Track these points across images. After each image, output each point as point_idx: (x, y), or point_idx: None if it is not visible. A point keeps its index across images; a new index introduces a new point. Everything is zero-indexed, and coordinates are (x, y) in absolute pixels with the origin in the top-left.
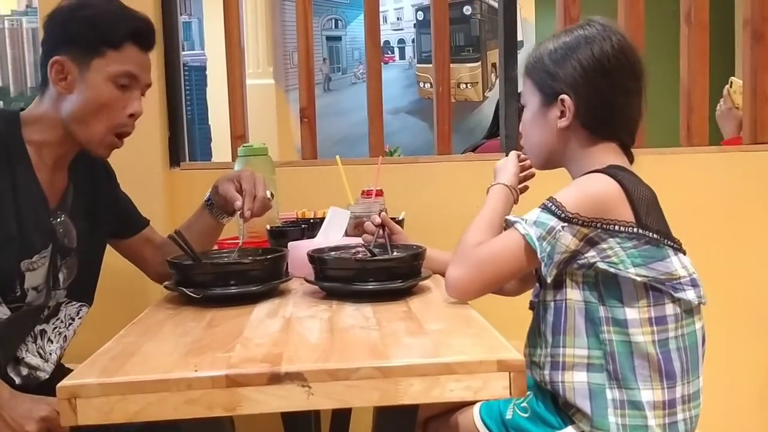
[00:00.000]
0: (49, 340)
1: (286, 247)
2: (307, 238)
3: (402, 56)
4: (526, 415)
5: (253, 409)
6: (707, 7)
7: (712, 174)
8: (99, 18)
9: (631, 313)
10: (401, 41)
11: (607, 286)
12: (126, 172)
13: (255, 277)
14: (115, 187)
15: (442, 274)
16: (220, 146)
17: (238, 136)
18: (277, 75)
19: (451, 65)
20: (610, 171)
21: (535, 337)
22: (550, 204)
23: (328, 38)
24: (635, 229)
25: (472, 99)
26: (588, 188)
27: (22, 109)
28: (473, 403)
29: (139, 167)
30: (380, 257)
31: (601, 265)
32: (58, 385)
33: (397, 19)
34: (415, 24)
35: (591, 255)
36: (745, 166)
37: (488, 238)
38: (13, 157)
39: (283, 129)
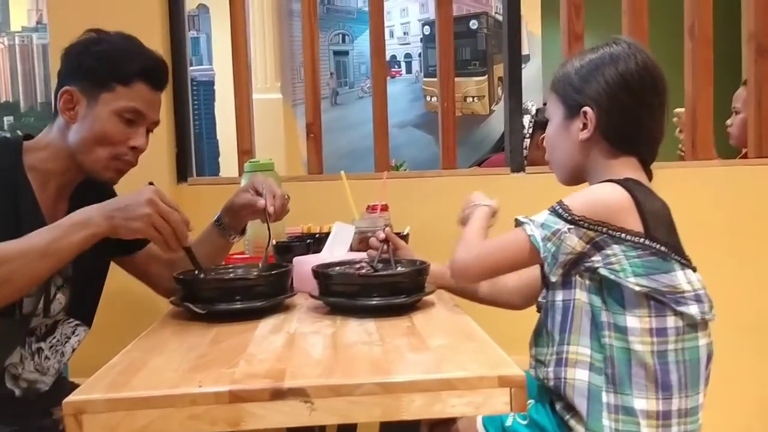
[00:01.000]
0: (47, 357)
1: (291, 262)
2: (313, 253)
3: (409, 70)
4: (524, 422)
5: (256, 424)
6: (711, 22)
7: (718, 188)
8: (111, 54)
9: (632, 321)
10: (408, 55)
11: (611, 292)
12: (133, 187)
13: (260, 293)
14: None
15: (448, 290)
16: (228, 161)
17: (245, 151)
18: (284, 89)
19: (458, 79)
20: (622, 182)
21: (542, 336)
22: (558, 207)
23: (336, 53)
24: (642, 240)
25: (478, 112)
26: (596, 194)
27: (27, 136)
28: None
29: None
30: (384, 272)
31: (603, 272)
32: (65, 400)
33: (404, 33)
34: (421, 38)
35: (596, 259)
36: (751, 180)
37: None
38: (17, 186)
39: (290, 143)
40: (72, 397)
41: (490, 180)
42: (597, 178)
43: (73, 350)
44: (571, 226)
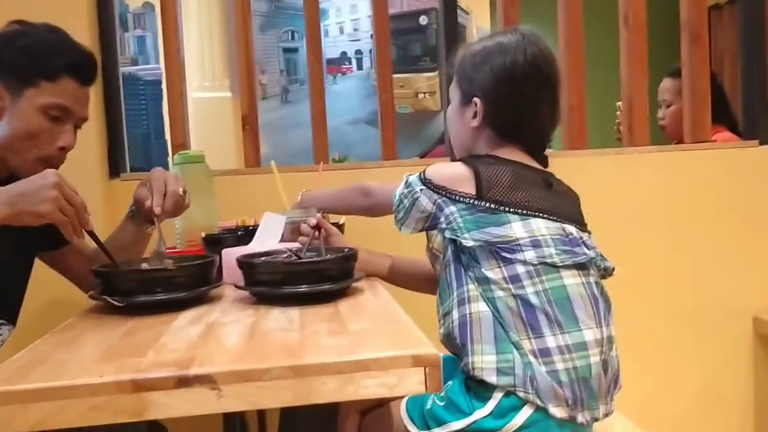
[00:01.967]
0: None
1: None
2: (244, 245)
3: (360, 67)
4: (442, 404)
5: (160, 413)
6: (644, 9)
7: (654, 173)
8: (35, 48)
9: (488, 273)
10: (359, 52)
11: (468, 251)
12: None
13: (181, 284)
14: None
15: (380, 277)
16: None
17: (179, 144)
18: (233, 87)
19: (409, 75)
20: (469, 160)
21: (444, 291)
22: (421, 173)
23: (285, 50)
24: (473, 201)
25: (430, 108)
26: (443, 166)
27: None
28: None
29: (76, 179)
30: (309, 260)
31: (447, 233)
32: None
33: (354, 30)
34: (372, 35)
35: (441, 222)
36: (685, 165)
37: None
38: None
39: (240, 141)
40: None
41: None
42: None
43: None
44: (423, 187)
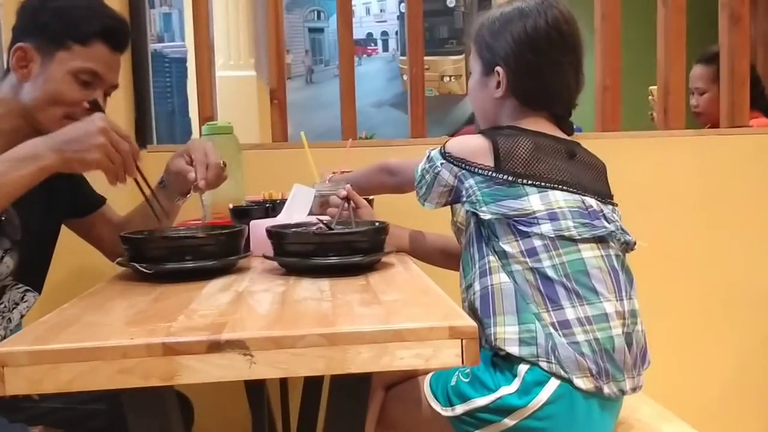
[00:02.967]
0: None
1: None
2: (271, 218)
3: (385, 48)
4: (467, 380)
5: (192, 378)
6: None
7: (690, 157)
8: (70, 11)
9: (506, 247)
10: (384, 33)
11: (487, 225)
12: None
13: (210, 253)
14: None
15: (409, 253)
16: None
17: (207, 117)
18: (258, 67)
19: (435, 58)
20: (488, 132)
21: (467, 264)
22: (441, 147)
23: (311, 30)
24: (490, 173)
25: (455, 92)
26: (463, 139)
27: None
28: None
29: None
30: (340, 231)
31: (467, 206)
32: None
33: (381, 11)
34: (398, 16)
35: (462, 195)
36: (722, 150)
37: None
38: None
39: (264, 121)
40: None
41: None
42: None
43: (22, 316)
44: (444, 161)
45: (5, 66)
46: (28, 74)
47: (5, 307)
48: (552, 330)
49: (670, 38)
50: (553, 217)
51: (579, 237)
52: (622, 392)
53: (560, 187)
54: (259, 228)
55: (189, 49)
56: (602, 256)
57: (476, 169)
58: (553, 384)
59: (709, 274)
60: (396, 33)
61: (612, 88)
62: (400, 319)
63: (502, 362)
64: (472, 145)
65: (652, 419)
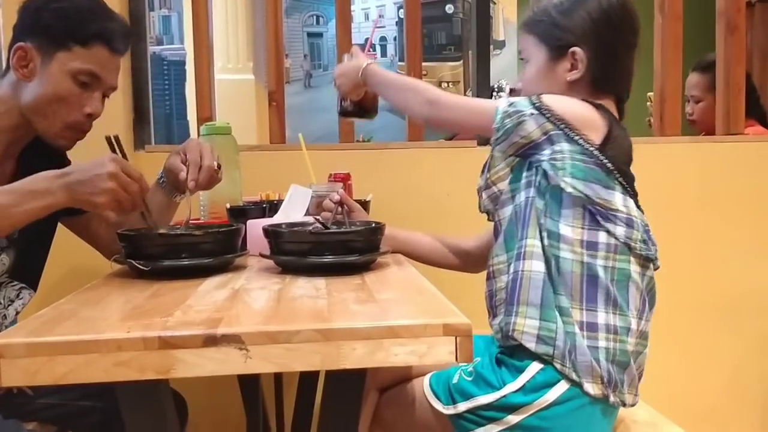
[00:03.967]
0: None
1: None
2: (268, 218)
3: (384, 54)
4: (470, 379)
5: (187, 372)
6: None
7: (685, 164)
8: (71, 12)
9: (564, 229)
10: (383, 39)
11: (552, 196)
12: (89, 155)
13: (207, 250)
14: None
15: (404, 254)
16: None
17: (205, 118)
18: (256, 71)
19: (433, 64)
20: (602, 109)
21: (499, 245)
22: (534, 96)
23: (309, 34)
24: (593, 149)
25: None
26: (573, 102)
27: None
28: (426, 373)
29: (102, 150)
30: (336, 230)
31: (545, 165)
32: None
33: (380, 16)
34: (396, 22)
35: (544, 154)
36: (717, 157)
37: None
38: None
39: (262, 124)
40: None
41: (457, 153)
42: None
43: (17, 313)
44: (535, 112)
45: (5, 65)
46: (28, 74)
47: (0, 303)
48: (576, 329)
49: (666, 45)
50: (629, 223)
51: (638, 251)
52: (623, 404)
53: (635, 197)
54: (255, 227)
55: (188, 51)
56: (643, 274)
57: (578, 138)
58: (562, 386)
59: (704, 280)
60: (395, 39)
61: None
62: (395, 316)
63: (508, 359)
64: (582, 113)
65: (646, 425)
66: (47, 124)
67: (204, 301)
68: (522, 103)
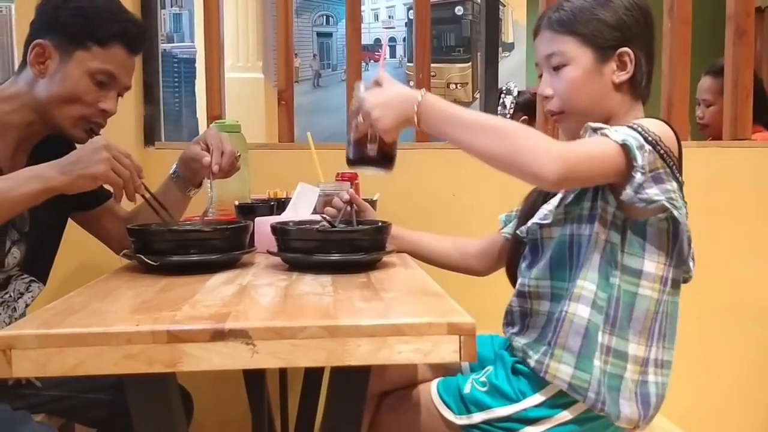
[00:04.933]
0: None
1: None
2: (276, 215)
3: (393, 54)
4: (484, 389)
5: (195, 366)
6: (690, 2)
7: (691, 169)
8: (91, 11)
9: (648, 266)
10: (392, 39)
11: (635, 232)
12: None
13: (215, 247)
14: None
15: (410, 254)
16: None
17: (215, 116)
18: (266, 70)
19: (442, 65)
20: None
21: (534, 268)
22: (636, 126)
23: (319, 34)
24: (681, 185)
25: (461, 99)
26: (660, 123)
27: None
28: (431, 379)
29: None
30: (342, 229)
31: (667, 204)
32: None
33: (389, 17)
34: (406, 23)
35: (654, 192)
36: (724, 162)
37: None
38: None
39: (271, 123)
40: (1, 332)
41: (463, 154)
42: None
43: (26, 306)
44: (650, 147)
45: (21, 60)
46: (45, 70)
47: (10, 296)
48: (630, 365)
49: (675, 50)
50: (693, 256)
51: (687, 279)
52: (636, 427)
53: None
54: (263, 225)
55: (198, 49)
56: (678, 303)
57: (678, 174)
58: (583, 406)
59: (708, 286)
60: (404, 39)
61: None
62: (400, 314)
63: (528, 371)
64: (671, 135)
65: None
66: (64, 116)
67: (212, 296)
68: (634, 134)
